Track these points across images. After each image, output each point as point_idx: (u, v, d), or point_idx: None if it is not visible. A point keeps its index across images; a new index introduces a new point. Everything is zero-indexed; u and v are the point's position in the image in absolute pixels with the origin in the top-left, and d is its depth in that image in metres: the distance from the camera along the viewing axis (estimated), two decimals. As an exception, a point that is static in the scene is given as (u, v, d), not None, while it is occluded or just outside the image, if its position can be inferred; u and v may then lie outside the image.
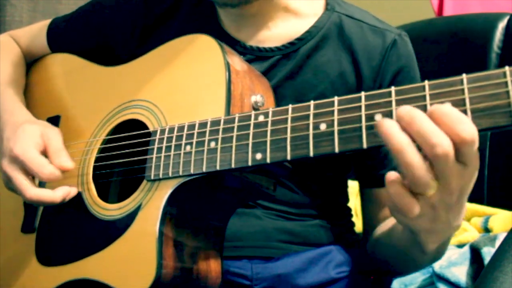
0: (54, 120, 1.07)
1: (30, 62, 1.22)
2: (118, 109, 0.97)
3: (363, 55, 1.00)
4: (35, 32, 1.22)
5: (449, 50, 1.57)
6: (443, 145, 0.59)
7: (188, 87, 0.89)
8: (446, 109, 0.59)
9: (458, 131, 0.58)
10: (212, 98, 0.85)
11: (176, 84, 0.91)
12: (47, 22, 1.23)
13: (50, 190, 0.91)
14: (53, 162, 0.92)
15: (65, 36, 1.19)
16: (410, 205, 0.63)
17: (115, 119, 0.97)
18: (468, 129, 0.58)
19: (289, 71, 1.00)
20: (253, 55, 1.02)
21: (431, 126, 0.59)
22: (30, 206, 1.02)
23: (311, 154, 0.69)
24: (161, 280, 0.79)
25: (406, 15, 1.46)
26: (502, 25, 1.50)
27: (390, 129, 0.61)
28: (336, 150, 0.67)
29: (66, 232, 0.95)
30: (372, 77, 1.00)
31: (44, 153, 0.94)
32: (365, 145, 0.65)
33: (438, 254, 0.90)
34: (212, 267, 0.88)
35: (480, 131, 0.58)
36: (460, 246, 1.26)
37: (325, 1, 1.06)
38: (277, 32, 1.02)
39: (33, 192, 0.91)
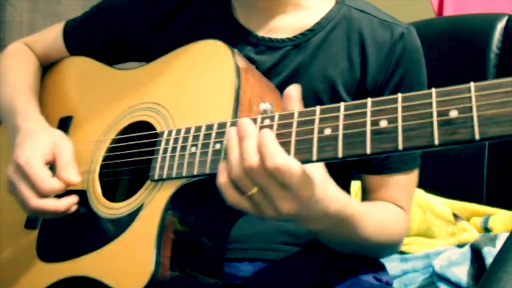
0: (67, 120, 1.08)
1: (47, 65, 1.22)
2: (129, 110, 0.98)
3: (371, 47, 1.00)
4: (50, 36, 1.21)
5: (448, 50, 1.58)
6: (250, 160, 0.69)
7: (197, 91, 0.89)
8: (265, 140, 0.69)
9: (265, 163, 0.68)
10: (220, 103, 0.85)
11: (186, 87, 0.92)
12: (60, 25, 1.22)
13: (54, 199, 0.90)
14: (60, 175, 0.91)
15: (81, 35, 1.19)
16: (234, 198, 0.74)
17: (125, 120, 0.98)
18: (276, 162, 0.68)
19: (301, 62, 1.01)
20: (265, 46, 1.02)
21: (250, 145, 0.70)
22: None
23: (314, 158, 0.69)
24: (157, 280, 0.79)
25: (406, 15, 1.46)
26: (501, 25, 1.51)
27: (230, 130, 0.74)
28: (340, 155, 0.67)
29: (68, 229, 0.95)
30: (378, 69, 1.00)
31: (52, 163, 0.93)
32: (368, 151, 0.65)
33: (332, 235, 0.91)
34: (212, 270, 0.88)
35: (487, 139, 0.57)
36: (461, 246, 1.27)
37: None
38: (289, 23, 1.03)
39: (36, 201, 0.89)
